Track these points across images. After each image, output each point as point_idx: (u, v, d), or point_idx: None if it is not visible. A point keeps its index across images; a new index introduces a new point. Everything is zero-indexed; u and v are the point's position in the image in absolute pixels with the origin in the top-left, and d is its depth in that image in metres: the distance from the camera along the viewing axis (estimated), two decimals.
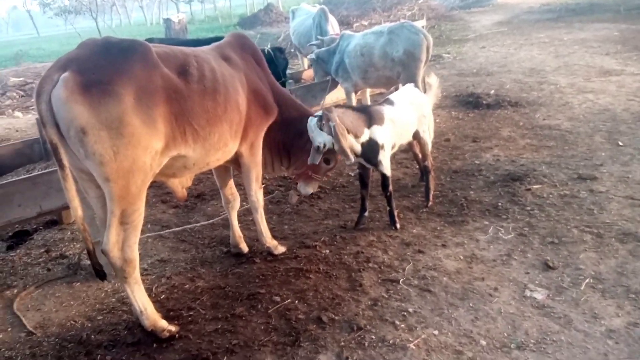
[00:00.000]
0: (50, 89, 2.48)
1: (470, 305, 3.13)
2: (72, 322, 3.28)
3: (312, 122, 3.64)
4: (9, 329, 3.25)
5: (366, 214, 4.31)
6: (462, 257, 3.69)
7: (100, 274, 2.84)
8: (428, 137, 4.50)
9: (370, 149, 3.90)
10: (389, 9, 21.22)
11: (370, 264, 3.68)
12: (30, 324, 3.27)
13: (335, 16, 9.99)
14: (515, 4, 22.43)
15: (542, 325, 2.89)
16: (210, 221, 4.55)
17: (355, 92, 6.93)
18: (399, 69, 6.10)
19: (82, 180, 2.85)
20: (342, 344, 2.85)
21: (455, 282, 3.39)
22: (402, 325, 2.97)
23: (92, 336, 3.10)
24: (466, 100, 8.10)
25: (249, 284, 3.56)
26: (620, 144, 5.60)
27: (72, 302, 3.52)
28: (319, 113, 3.64)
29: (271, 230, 4.07)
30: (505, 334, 2.85)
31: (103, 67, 2.57)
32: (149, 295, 3.13)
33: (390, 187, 4.10)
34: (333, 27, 9.14)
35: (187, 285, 3.62)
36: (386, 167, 4.02)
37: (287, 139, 3.92)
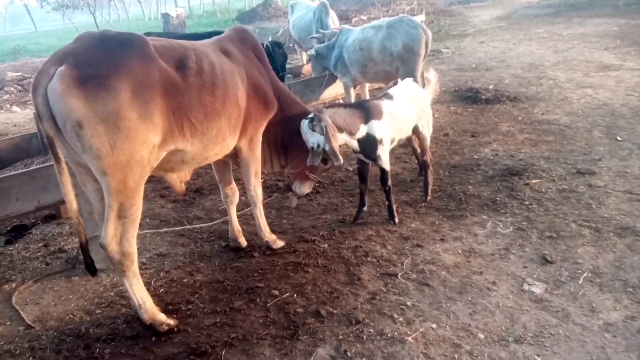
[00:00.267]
0: (46, 83, 2.47)
1: (469, 299, 3.14)
2: (70, 315, 3.28)
3: (304, 124, 3.62)
4: (8, 323, 3.26)
5: (365, 208, 4.31)
6: (460, 251, 3.69)
7: (90, 268, 2.84)
8: (427, 131, 4.50)
9: (369, 144, 3.89)
10: (388, 4, 21.18)
11: (368, 258, 3.68)
12: (29, 318, 3.27)
13: (334, 11, 9.94)
14: None
15: (540, 319, 2.90)
16: (211, 223, 4.54)
17: (354, 87, 6.91)
18: (398, 64, 6.08)
19: (79, 174, 2.84)
20: (341, 337, 2.86)
21: (453, 276, 3.39)
22: (401, 319, 2.98)
23: (91, 330, 3.10)
24: (465, 95, 8.09)
25: (248, 278, 3.56)
26: (619, 138, 5.60)
27: (70, 296, 3.52)
28: (311, 115, 3.63)
29: (270, 224, 4.07)
30: (503, 328, 2.86)
31: (100, 61, 2.56)
32: (148, 289, 3.13)
33: (389, 182, 4.10)
34: (334, 21, 9.11)
35: (185, 279, 3.62)
36: (385, 162, 4.02)
37: (286, 136, 3.89)
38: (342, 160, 3.67)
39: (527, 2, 20.77)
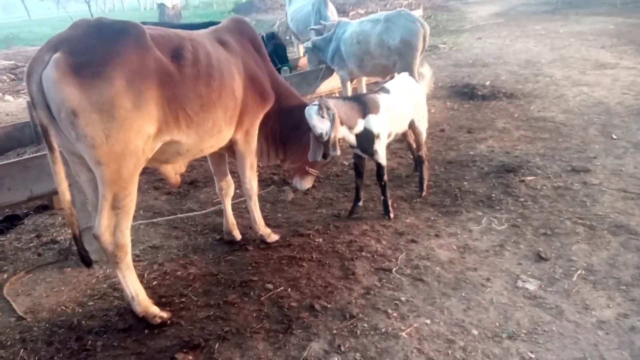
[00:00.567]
0: (41, 70, 2.44)
1: (463, 295, 3.14)
2: (62, 307, 3.26)
3: (312, 110, 3.55)
4: None
5: (360, 203, 4.30)
6: (455, 247, 3.69)
7: (85, 259, 2.82)
8: (422, 126, 4.48)
9: (366, 139, 3.87)
10: None
11: (363, 253, 3.67)
12: (20, 309, 3.24)
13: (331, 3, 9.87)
14: None
15: (534, 316, 2.91)
16: (204, 211, 4.52)
17: (351, 81, 6.88)
18: (395, 58, 6.05)
19: (73, 164, 2.81)
20: (335, 331, 2.85)
21: (448, 271, 3.39)
22: (395, 314, 2.98)
23: (83, 322, 3.08)
24: (461, 91, 8.08)
25: (242, 271, 3.55)
26: (614, 136, 5.62)
27: (63, 288, 3.49)
28: (316, 102, 3.60)
29: (265, 218, 4.05)
30: (497, 324, 2.86)
31: (95, 49, 2.53)
32: (141, 282, 3.11)
33: (385, 177, 4.09)
34: (332, 13, 9.05)
35: (179, 272, 3.60)
36: (382, 157, 4.00)
37: (284, 130, 3.85)
38: (339, 152, 3.65)
39: None
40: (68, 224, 2.80)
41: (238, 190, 4.21)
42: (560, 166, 4.95)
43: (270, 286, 3.32)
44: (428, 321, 2.91)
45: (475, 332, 2.81)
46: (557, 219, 3.96)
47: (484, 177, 4.87)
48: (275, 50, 7.32)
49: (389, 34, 6.04)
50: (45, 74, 2.42)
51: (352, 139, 3.84)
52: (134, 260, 3.20)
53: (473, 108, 7.25)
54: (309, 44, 7.12)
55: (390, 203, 4.20)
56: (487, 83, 8.35)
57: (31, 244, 4.14)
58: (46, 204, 4.81)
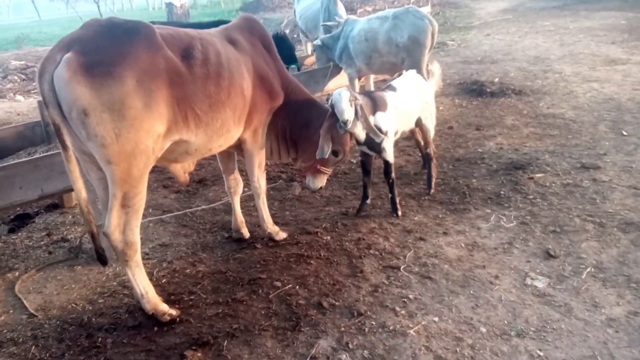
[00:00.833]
0: (52, 69, 2.46)
1: (471, 292, 3.13)
2: (73, 305, 3.29)
3: (343, 94, 3.54)
4: (11, 311, 3.27)
5: (368, 201, 4.30)
6: (463, 245, 3.68)
7: (102, 258, 2.83)
8: (430, 124, 4.47)
9: (375, 136, 3.86)
10: None
11: (371, 251, 3.67)
12: (31, 307, 3.28)
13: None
14: None
15: (543, 314, 2.89)
16: (212, 205, 4.55)
17: (359, 78, 6.87)
18: (404, 55, 6.03)
19: (84, 162, 2.83)
20: (343, 329, 2.86)
21: (456, 269, 3.39)
22: (403, 312, 2.98)
23: (93, 319, 3.11)
24: (470, 88, 8.04)
25: (250, 269, 3.57)
26: (625, 133, 5.56)
27: (73, 285, 3.53)
28: (340, 89, 3.61)
29: (273, 216, 4.06)
30: (506, 322, 2.85)
31: (106, 48, 2.54)
32: (150, 279, 3.14)
33: (393, 175, 4.09)
34: (341, 11, 9.02)
35: (188, 270, 3.63)
36: (389, 154, 4.00)
37: (294, 129, 3.83)
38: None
39: None
40: (85, 222, 2.81)
41: (247, 189, 4.23)
42: (569, 163, 4.91)
43: (278, 284, 3.33)
44: (436, 319, 2.91)
45: (483, 329, 2.80)
46: (566, 217, 3.94)
47: (493, 174, 4.84)
48: (284, 51, 7.32)
49: (397, 31, 6.02)
50: (57, 74, 2.44)
51: (362, 135, 3.83)
52: (143, 258, 3.23)
53: (482, 105, 7.21)
54: (317, 41, 7.12)
55: (398, 201, 4.20)
56: (496, 80, 8.30)
57: (42, 242, 4.19)
58: (57, 203, 4.86)
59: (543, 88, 7.70)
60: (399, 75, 4.57)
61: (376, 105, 3.87)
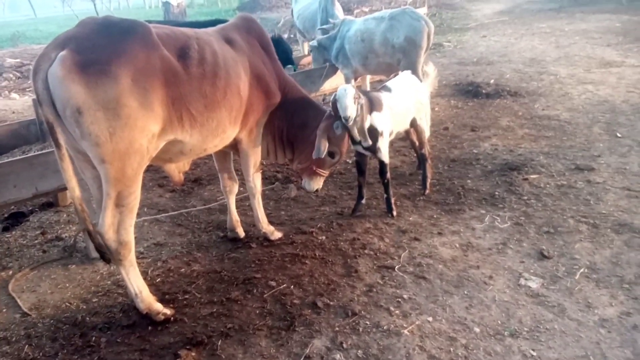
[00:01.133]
0: (47, 67, 2.45)
1: (465, 292, 3.15)
2: (67, 304, 3.28)
3: (348, 90, 3.52)
4: (4, 310, 3.25)
5: (363, 201, 4.31)
6: (457, 245, 3.69)
7: (104, 256, 2.80)
8: (425, 124, 4.48)
9: (370, 136, 3.87)
10: None
11: (366, 251, 3.68)
12: (25, 305, 3.27)
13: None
14: None
15: (536, 314, 2.91)
16: (208, 206, 4.54)
17: (355, 79, 6.88)
18: (400, 56, 6.05)
19: (78, 161, 2.82)
20: (337, 329, 2.87)
21: (450, 269, 3.40)
22: (397, 312, 2.99)
23: (87, 318, 3.10)
24: (466, 89, 8.07)
25: (245, 268, 3.57)
26: (619, 135, 5.60)
27: (67, 284, 3.52)
28: (345, 86, 3.61)
29: (268, 216, 4.06)
30: (499, 322, 2.86)
31: (102, 47, 2.54)
32: (145, 279, 3.13)
33: (388, 175, 4.09)
34: (339, 11, 9.02)
35: (182, 269, 3.62)
36: (384, 154, 4.00)
37: (291, 129, 3.82)
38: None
39: None
40: (80, 221, 2.80)
41: (242, 188, 4.23)
42: (564, 164, 4.94)
43: (273, 283, 3.33)
44: (430, 319, 2.92)
45: (477, 329, 2.81)
46: (560, 217, 3.96)
47: (488, 175, 4.86)
48: (280, 53, 7.30)
49: (394, 32, 6.03)
50: (52, 72, 2.44)
51: (358, 134, 3.81)
52: (137, 257, 3.23)
53: (477, 106, 7.24)
54: (314, 42, 7.13)
55: (393, 201, 4.21)
56: (492, 81, 8.33)
57: (36, 241, 4.17)
58: (51, 201, 4.85)
59: (538, 90, 7.74)
60: (395, 75, 4.59)
61: (372, 105, 3.88)
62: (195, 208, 4.58)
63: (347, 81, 6.76)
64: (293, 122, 3.80)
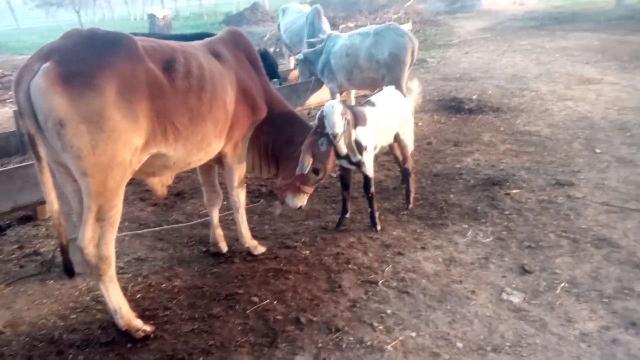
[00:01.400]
0: (29, 79, 2.42)
1: (448, 307, 3.15)
2: (43, 320, 3.21)
3: (336, 107, 3.50)
4: None
5: (347, 215, 4.31)
6: (440, 260, 3.71)
7: (69, 271, 2.78)
8: (408, 139, 4.52)
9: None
10: (375, 12, 21.29)
11: (350, 265, 3.67)
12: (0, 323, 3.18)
13: None
14: (500, 11, 22.75)
15: (518, 329, 2.92)
16: (191, 223, 4.50)
17: (340, 93, 6.93)
18: (384, 71, 6.11)
19: (59, 174, 2.79)
20: (320, 345, 2.84)
21: (433, 284, 3.41)
22: (380, 327, 2.98)
23: (64, 335, 3.03)
24: (449, 104, 8.17)
25: (227, 284, 3.53)
26: (598, 151, 5.71)
27: (44, 300, 3.44)
28: (333, 101, 3.61)
29: (251, 230, 4.04)
30: (482, 337, 2.87)
31: (86, 59, 2.52)
32: (125, 294, 3.07)
33: (372, 189, 4.11)
34: (326, 26, 9.10)
35: (164, 285, 3.57)
36: (369, 169, 4.02)
37: (276, 144, 3.79)
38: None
39: (512, 15, 21.11)
40: (56, 234, 2.76)
41: (225, 202, 4.20)
42: (545, 180, 5.01)
43: (255, 299, 3.30)
44: (413, 334, 2.91)
45: (460, 345, 2.81)
46: (541, 232, 4.00)
47: (470, 190, 4.91)
48: (266, 68, 7.32)
49: (378, 48, 6.10)
50: (34, 83, 2.41)
51: (344, 149, 3.80)
52: (118, 273, 3.17)
53: (460, 122, 7.33)
54: (300, 56, 7.18)
55: (377, 215, 4.22)
56: (474, 97, 8.45)
57: (13, 256, 4.08)
58: (30, 215, 4.75)
59: (520, 106, 7.87)
60: (380, 91, 4.63)
61: (357, 119, 3.90)
62: (178, 225, 4.53)
63: (333, 95, 6.80)
64: (279, 137, 3.78)
